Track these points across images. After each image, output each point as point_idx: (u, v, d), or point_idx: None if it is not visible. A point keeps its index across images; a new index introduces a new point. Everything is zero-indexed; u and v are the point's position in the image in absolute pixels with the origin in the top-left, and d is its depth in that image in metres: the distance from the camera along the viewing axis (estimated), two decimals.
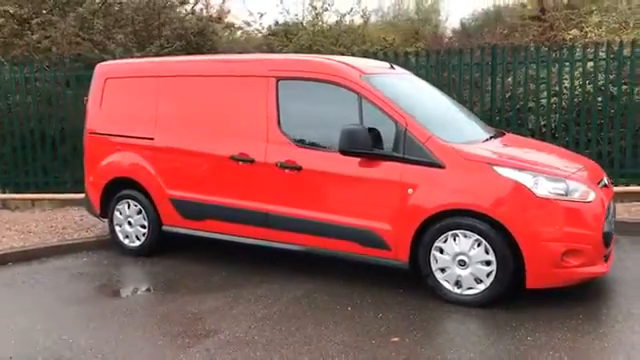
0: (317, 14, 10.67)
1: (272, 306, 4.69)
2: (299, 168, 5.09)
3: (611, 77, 7.97)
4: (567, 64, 8.05)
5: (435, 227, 4.59)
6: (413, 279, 4.88)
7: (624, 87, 7.80)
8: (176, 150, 5.77)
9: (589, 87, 7.94)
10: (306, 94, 5.27)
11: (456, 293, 4.59)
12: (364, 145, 4.72)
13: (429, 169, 4.63)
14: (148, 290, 5.33)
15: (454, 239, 4.54)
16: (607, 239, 4.49)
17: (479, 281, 4.50)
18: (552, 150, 5.63)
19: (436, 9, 25.73)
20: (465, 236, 4.49)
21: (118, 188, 6.21)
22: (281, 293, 4.95)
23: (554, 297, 4.53)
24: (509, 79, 8.24)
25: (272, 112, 5.27)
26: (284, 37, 11.78)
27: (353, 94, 4.95)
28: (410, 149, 4.68)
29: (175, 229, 5.91)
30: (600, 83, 7.92)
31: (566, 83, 8.02)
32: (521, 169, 4.50)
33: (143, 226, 6.09)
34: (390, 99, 4.89)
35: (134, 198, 6.10)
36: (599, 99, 7.88)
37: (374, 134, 4.76)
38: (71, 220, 7.56)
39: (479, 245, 4.46)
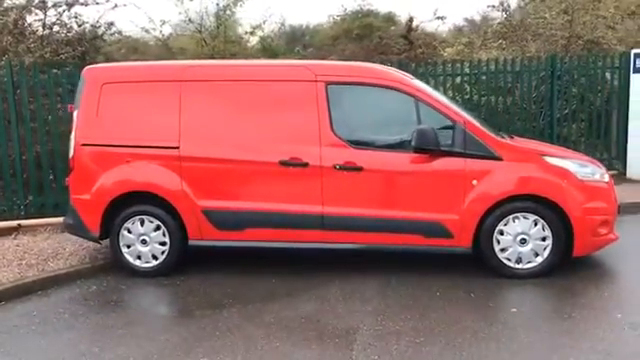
0: (220, 24, 10.56)
1: (369, 302, 4.81)
2: (360, 169, 5.29)
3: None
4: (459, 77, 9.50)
5: (498, 212, 5.21)
6: (458, 260, 5.43)
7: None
8: (210, 158, 5.46)
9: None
10: (358, 98, 5.50)
11: (517, 268, 5.26)
12: (434, 143, 5.16)
13: (490, 162, 5.23)
14: (220, 306, 4.82)
15: (513, 221, 5.23)
16: (619, 211, 5.60)
17: (536, 255, 5.24)
18: (554, 146, 6.70)
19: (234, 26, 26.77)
20: (525, 217, 5.21)
21: (125, 204, 5.61)
22: (360, 290, 5.08)
23: (571, 264, 5.36)
24: None
25: (324, 116, 5.37)
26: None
27: (408, 97, 5.34)
28: (471, 145, 5.24)
29: (205, 242, 5.57)
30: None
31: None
32: (564, 157, 5.39)
33: (162, 243, 5.60)
34: (444, 101, 5.40)
35: (150, 213, 5.58)
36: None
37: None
38: (24, 249, 6.35)
39: (536, 224, 5.21)
